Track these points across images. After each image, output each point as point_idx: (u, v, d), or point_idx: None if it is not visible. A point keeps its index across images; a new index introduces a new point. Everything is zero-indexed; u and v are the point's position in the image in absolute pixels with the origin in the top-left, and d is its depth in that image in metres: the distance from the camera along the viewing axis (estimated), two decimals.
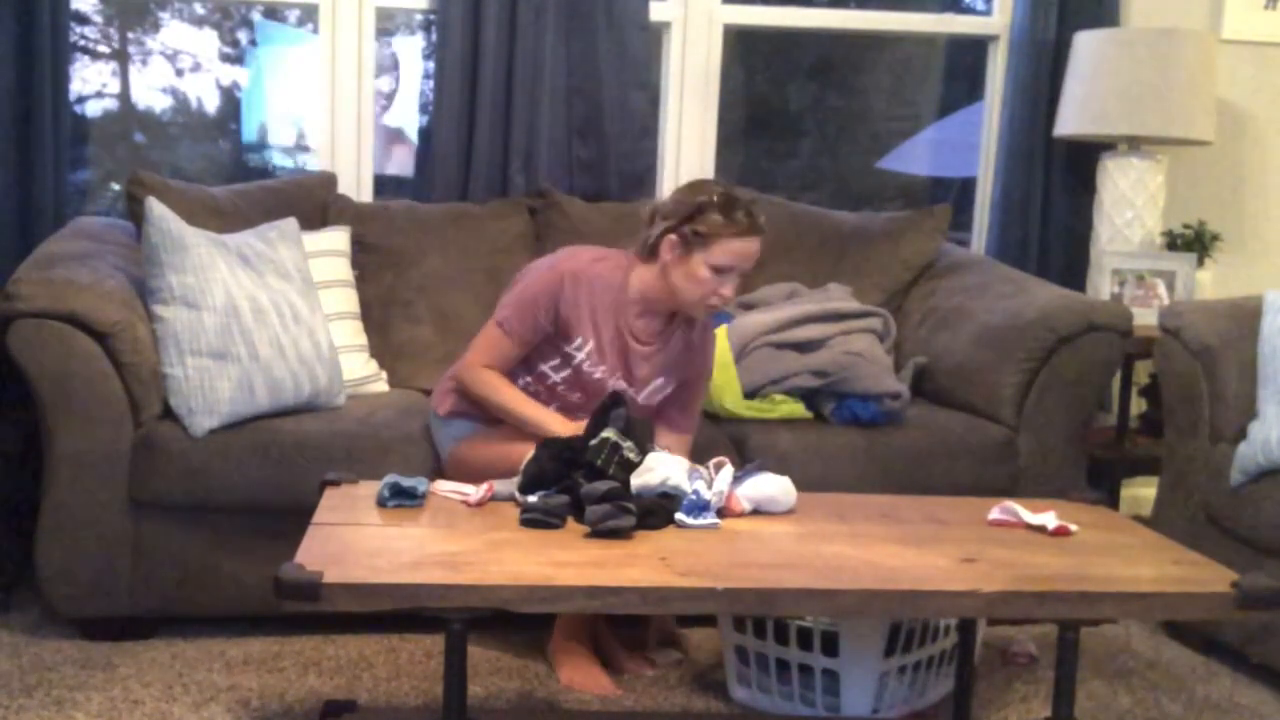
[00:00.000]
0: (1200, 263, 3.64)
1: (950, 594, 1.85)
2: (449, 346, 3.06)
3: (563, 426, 2.44)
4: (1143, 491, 3.76)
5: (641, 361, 2.59)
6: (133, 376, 2.60)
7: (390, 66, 4.16)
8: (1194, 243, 3.67)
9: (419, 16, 3.92)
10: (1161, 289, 3.56)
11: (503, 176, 3.50)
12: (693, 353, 2.65)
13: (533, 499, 2.11)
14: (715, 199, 2.45)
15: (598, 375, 2.56)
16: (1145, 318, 3.39)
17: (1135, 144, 3.57)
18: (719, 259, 2.44)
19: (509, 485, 2.21)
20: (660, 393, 2.64)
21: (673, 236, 2.47)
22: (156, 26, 4.23)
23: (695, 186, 2.53)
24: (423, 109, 3.75)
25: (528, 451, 2.24)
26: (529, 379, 2.60)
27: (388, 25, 4.08)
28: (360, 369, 3.07)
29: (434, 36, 3.55)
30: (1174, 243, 3.70)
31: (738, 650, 2.49)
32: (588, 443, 2.19)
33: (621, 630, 2.69)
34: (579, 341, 2.53)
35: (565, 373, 2.57)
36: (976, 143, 4.02)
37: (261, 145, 4.38)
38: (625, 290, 2.55)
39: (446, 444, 2.65)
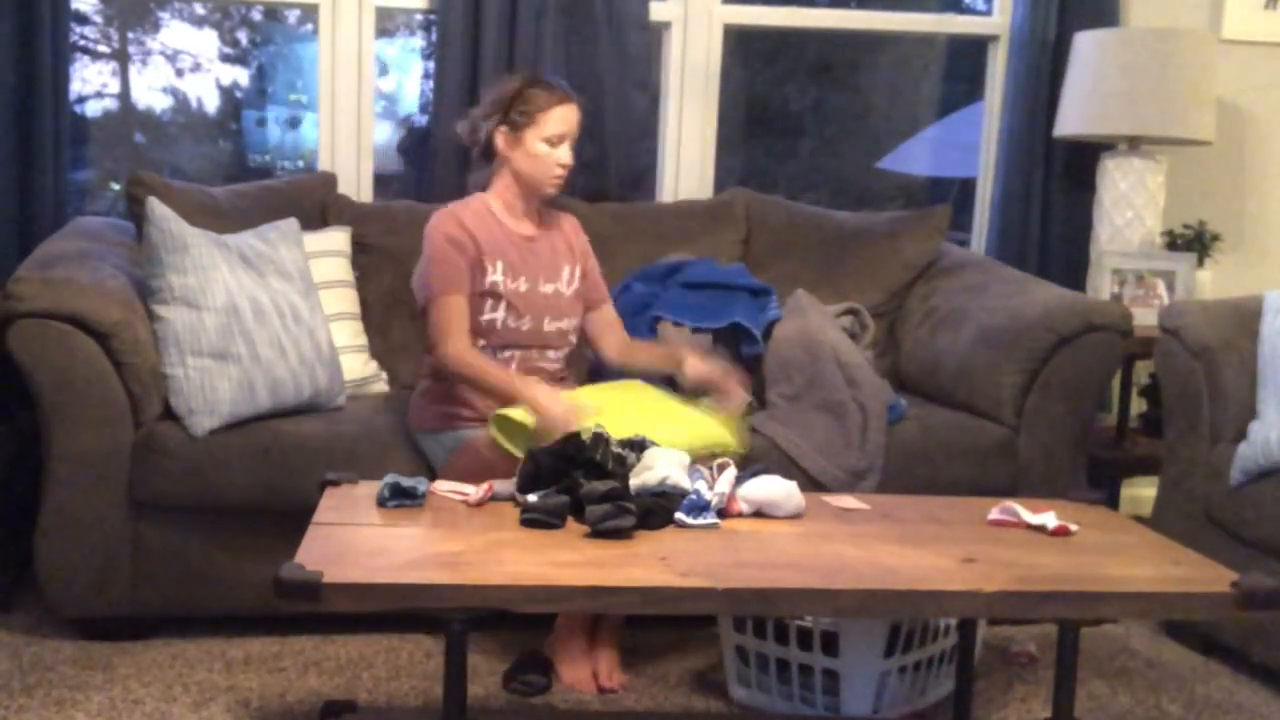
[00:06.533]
0: (1200, 263, 3.65)
1: (950, 594, 1.85)
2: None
3: (539, 396, 2.46)
4: (1143, 491, 3.76)
5: (544, 254, 2.75)
6: (133, 376, 2.60)
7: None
8: (1194, 243, 3.67)
9: (419, 16, 3.92)
10: (1161, 289, 3.56)
11: None
12: (572, 235, 2.85)
13: (533, 499, 2.11)
14: (525, 80, 2.70)
15: (524, 288, 2.69)
16: (1145, 318, 3.39)
17: (1135, 144, 3.57)
18: (549, 130, 2.65)
19: (509, 485, 2.21)
20: (575, 280, 2.80)
21: (502, 128, 2.67)
22: (156, 26, 4.23)
23: (500, 84, 2.74)
24: (423, 109, 3.75)
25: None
26: (482, 341, 2.68)
27: (388, 25, 4.08)
28: (361, 369, 3.07)
29: (434, 36, 3.55)
30: (1174, 243, 3.70)
31: (738, 650, 2.49)
32: (580, 443, 2.20)
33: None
34: (491, 268, 2.65)
35: (502, 305, 2.67)
36: (976, 143, 4.02)
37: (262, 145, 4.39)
38: (493, 205, 2.73)
39: (442, 455, 2.65)
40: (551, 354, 2.76)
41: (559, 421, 2.37)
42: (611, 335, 2.86)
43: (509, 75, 2.78)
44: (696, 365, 2.67)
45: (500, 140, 2.69)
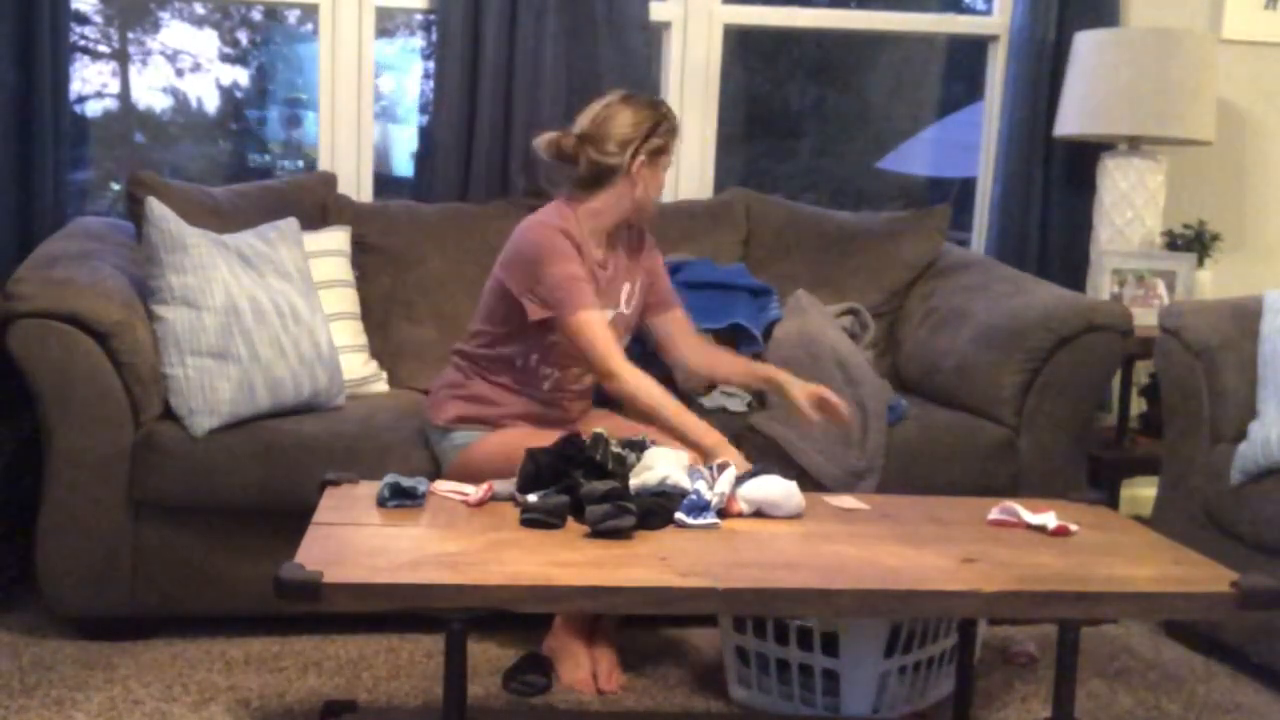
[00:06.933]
0: (1200, 263, 3.65)
1: (950, 594, 1.85)
2: (449, 346, 3.06)
3: (729, 453, 2.45)
4: (1143, 491, 3.76)
5: (607, 280, 2.69)
6: (133, 376, 2.60)
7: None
8: (1194, 243, 3.67)
9: (419, 16, 3.92)
10: (1161, 289, 3.56)
11: (503, 176, 3.50)
12: (640, 249, 2.78)
13: (533, 499, 2.11)
14: (660, 111, 2.65)
15: None
16: (1145, 318, 3.39)
17: (1135, 144, 3.57)
18: (669, 159, 2.68)
19: (509, 485, 2.21)
20: (633, 298, 2.75)
21: (641, 157, 2.61)
22: (156, 26, 4.23)
23: (634, 107, 2.63)
24: (423, 109, 3.75)
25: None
26: (535, 356, 2.63)
27: (388, 25, 4.08)
28: (360, 369, 3.07)
29: (434, 36, 3.55)
30: (1174, 243, 3.70)
31: (738, 650, 2.49)
32: (580, 443, 2.20)
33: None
34: None
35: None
36: (976, 143, 4.02)
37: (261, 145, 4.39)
38: (581, 224, 2.64)
39: (450, 453, 2.64)
40: (588, 376, 2.72)
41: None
42: (687, 338, 2.80)
43: (632, 97, 2.65)
44: (805, 390, 2.60)
45: (638, 168, 2.61)
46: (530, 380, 2.66)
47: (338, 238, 3.17)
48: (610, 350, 2.52)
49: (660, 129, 2.62)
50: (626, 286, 2.73)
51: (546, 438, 2.30)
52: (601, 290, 2.63)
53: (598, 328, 2.52)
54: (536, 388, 2.66)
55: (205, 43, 4.25)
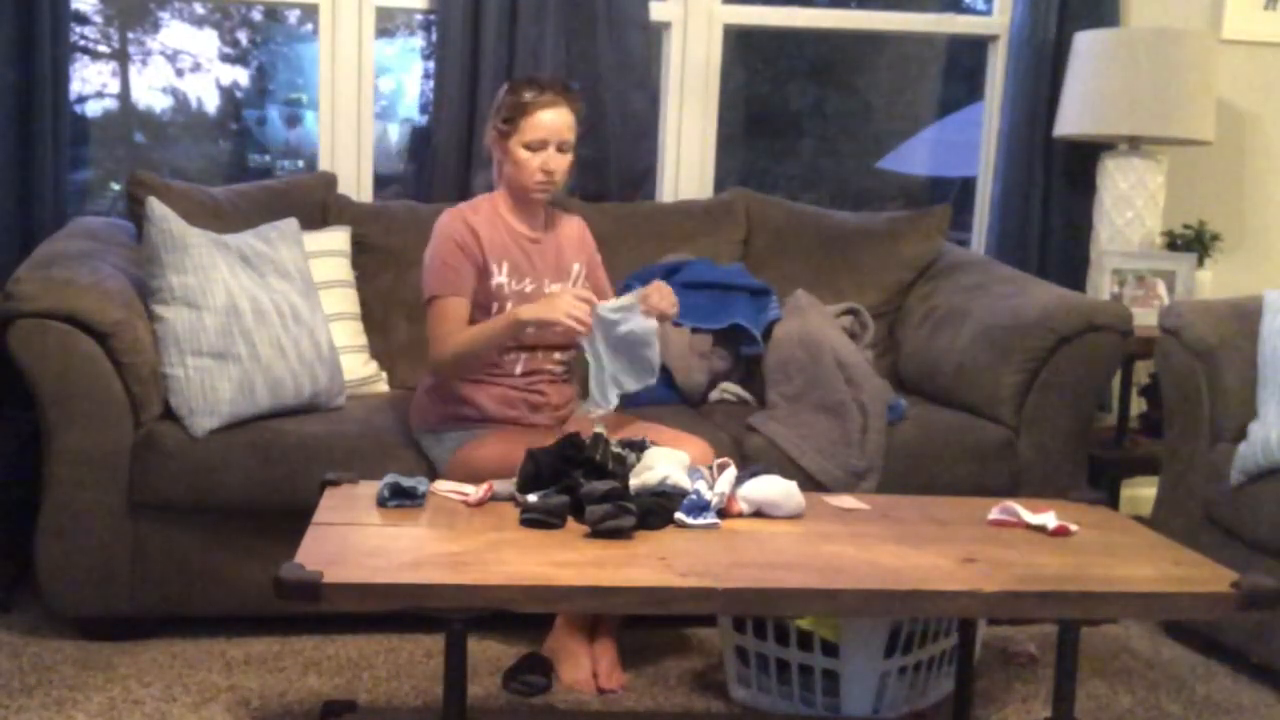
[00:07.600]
0: (1200, 263, 3.64)
1: (950, 594, 1.85)
2: None
3: (525, 309, 2.54)
4: (1143, 491, 3.76)
5: (549, 254, 2.73)
6: (133, 376, 2.60)
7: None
8: (1194, 243, 3.67)
9: (419, 16, 3.92)
10: (1161, 289, 3.56)
11: None
12: (579, 237, 2.83)
13: (533, 499, 2.11)
14: (514, 82, 2.69)
15: (529, 289, 2.68)
16: (1145, 318, 3.39)
17: (1135, 144, 3.57)
18: (528, 136, 2.61)
19: (509, 485, 2.21)
20: (585, 279, 2.80)
21: (492, 133, 2.68)
22: (156, 26, 4.23)
23: (506, 86, 2.71)
24: (423, 109, 3.75)
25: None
26: (513, 352, 2.68)
27: (388, 25, 4.08)
28: (361, 369, 3.07)
29: (434, 36, 3.55)
30: (1174, 243, 3.70)
31: (738, 650, 2.49)
32: (580, 443, 2.20)
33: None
34: (496, 270, 2.65)
35: (508, 307, 2.64)
36: (976, 143, 4.02)
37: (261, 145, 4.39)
38: (500, 206, 2.72)
39: (445, 456, 2.64)
40: (557, 355, 2.74)
41: (561, 309, 2.47)
42: None
43: (519, 79, 2.73)
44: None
45: (492, 145, 2.70)
46: (500, 366, 2.68)
47: (338, 238, 3.17)
48: (442, 335, 2.60)
49: (506, 102, 2.64)
50: (577, 265, 2.79)
51: (541, 439, 2.31)
52: (524, 265, 2.68)
53: (442, 313, 2.61)
54: (509, 373, 2.68)
55: (205, 43, 4.25)
